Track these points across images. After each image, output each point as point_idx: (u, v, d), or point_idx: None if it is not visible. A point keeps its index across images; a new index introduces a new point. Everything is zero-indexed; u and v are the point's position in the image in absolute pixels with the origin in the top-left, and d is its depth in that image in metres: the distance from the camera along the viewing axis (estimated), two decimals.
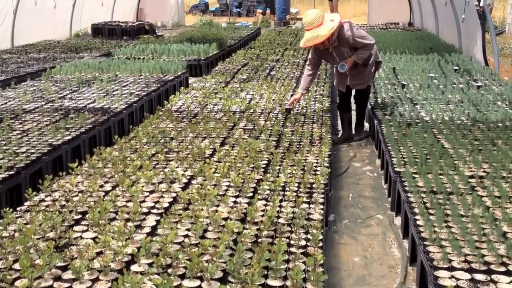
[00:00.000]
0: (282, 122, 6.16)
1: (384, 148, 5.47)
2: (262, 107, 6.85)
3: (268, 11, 25.62)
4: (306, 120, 6.29)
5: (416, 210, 3.92)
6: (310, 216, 3.75)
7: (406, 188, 4.32)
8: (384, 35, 15.61)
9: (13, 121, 6.25)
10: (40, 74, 9.32)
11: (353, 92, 6.87)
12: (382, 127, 6.02)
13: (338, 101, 7.06)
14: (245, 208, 3.81)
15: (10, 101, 7.32)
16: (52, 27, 16.40)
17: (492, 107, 6.79)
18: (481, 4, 10.04)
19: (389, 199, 5.01)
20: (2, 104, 7.11)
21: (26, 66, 10.42)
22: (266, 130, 5.69)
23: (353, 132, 6.96)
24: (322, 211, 3.85)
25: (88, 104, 7.13)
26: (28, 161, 4.90)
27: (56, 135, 5.62)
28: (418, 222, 3.75)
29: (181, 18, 23.95)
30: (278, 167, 4.64)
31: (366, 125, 7.25)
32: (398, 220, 4.59)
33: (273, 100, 7.21)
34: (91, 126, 6.08)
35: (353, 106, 7.03)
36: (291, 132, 5.75)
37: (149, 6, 22.48)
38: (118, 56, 11.63)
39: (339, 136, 6.93)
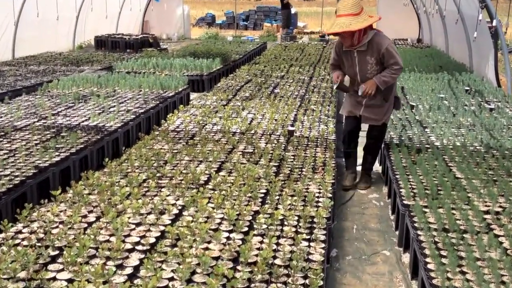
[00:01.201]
0: (284, 145, 5.82)
1: (392, 177, 5.12)
2: (263, 127, 6.52)
3: (277, 24, 25.40)
4: (309, 143, 5.95)
5: (427, 251, 3.57)
6: (310, 257, 3.41)
7: (416, 225, 3.97)
8: None
9: (1, 139, 5.95)
10: (37, 88, 9.04)
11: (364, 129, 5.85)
12: (390, 153, 5.68)
13: (342, 136, 5.85)
14: (239, 246, 3.47)
15: (1, 117, 7.03)
16: (55, 39, 16.22)
17: (507, 132, 6.43)
18: (494, 24, 9.68)
19: (397, 232, 4.66)
20: None
21: (24, 80, 10.14)
22: (266, 154, 5.36)
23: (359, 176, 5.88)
24: (323, 251, 3.50)
25: (82, 122, 6.82)
26: (11, 185, 4.58)
27: (44, 156, 5.30)
28: (429, 266, 3.39)
29: (187, 31, 23.75)
30: (277, 198, 4.30)
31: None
32: (406, 257, 4.23)
33: (276, 120, 6.88)
34: (82, 146, 5.77)
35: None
36: (292, 157, 5.42)
37: (154, 19, 22.35)
38: (119, 70, 11.38)
39: (344, 176, 5.83)
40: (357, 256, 4.29)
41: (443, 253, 3.54)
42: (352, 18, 5.07)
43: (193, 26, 27.77)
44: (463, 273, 3.28)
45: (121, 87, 9.12)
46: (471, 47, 11.95)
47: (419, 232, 3.86)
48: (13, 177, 4.75)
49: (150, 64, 11.67)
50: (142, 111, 7.47)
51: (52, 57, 14.03)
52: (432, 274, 3.28)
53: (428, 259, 3.48)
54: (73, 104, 7.84)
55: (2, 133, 6.18)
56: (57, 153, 5.48)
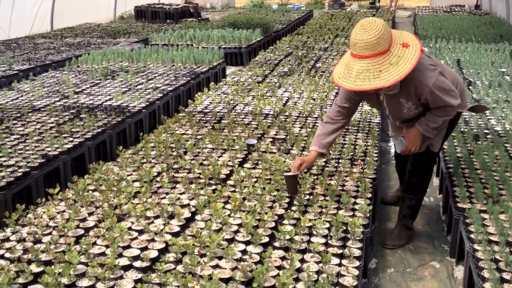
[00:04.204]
0: None
1: (444, 170, 4.42)
2: (299, 109, 5.87)
3: None
4: (349, 127, 5.27)
5: (486, 273, 2.91)
6: (341, 280, 2.80)
7: (472, 236, 3.29)
8: (448, 19, 14.24)
9: (16, 121, 5.53)
10: (67, 63, 8.62)
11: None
12: None
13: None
14: (255, 263, 2.90)
15: (22, 95, 6.62)
16: (95, 9, 15.87)
17: None
18: None
19: (449, 238, 3.98)
20: (12, 100, 6.41)
21: (56, 53, 9.76)
22: (299, 142, 4.74)
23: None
24: (357, 271, 2.89)
25: (105, 101, 6.33)
26: (12, 178, 4.13)
27: (56, 142, 4.83)
28: None
29: None
30: (306, 198, 3.68)
31: None
32: (459, 272, 3.57)
33: (314, 100, 6.22)
34: (99, 130, 5.27)
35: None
36: None
37: None
38: (155, 43, 10.89)
39: (390, 192, 4.75)
40: (400, 268, 3.65)
41: (506, 276, 2.87)
42: (381, 59, 3.15)
43: None
44: None
45: (153, 62, 8.61)
46: None
47: (476, 246, 3.19)
48: (16, 168, 4.30)
49: (187, 36, 11.11)
50: (171, 88, 6.93)
51: (90, 28, 13.66)
52: None
53: (487, 285, 2.82)
54: (99, 81, 7.37)
55: (18, 115, 5.76)
56: (70, 139, 5.01)
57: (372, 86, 3.15)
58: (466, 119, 5.50)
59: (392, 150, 5.75)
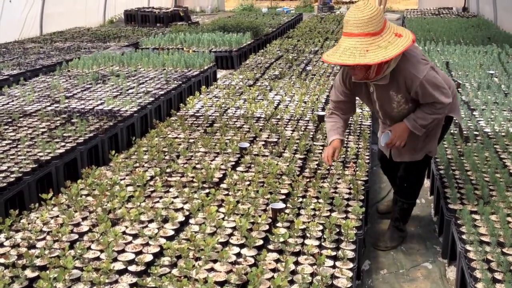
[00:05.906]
0: (312, 133, 5.20)
1: (435, 171, 4.46)
2: (291, 112, 5.90)
3: None
4: None
5: (478, 274, 2.94)
6: (335, 281, 2.83)
7: (464, 237, 3.33)
8: (436, 22, 14.35)
9: (7, 127, 5.51)
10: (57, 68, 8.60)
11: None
12: None
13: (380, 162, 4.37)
14: (250, 266, 2.92)
15: (12, 100, 6.60)
16: (84, 13, 15.85)
17: None
18: None
19: (440, 239, 4.02)
20: (3, 105, 6.39)
21: (46, 58, 9.73)
22: (291, 145, 4.76)
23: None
24: (351, 273, 2.92)
25: (97, 106, 6.33)
26: (4, 184, 4.12)
27: (48, 147, 4.82)
28: None
29: (221, 2, 23.09)
30: (299, 201, 3.71)
31: None
32: (452, 272, 3.60)
33: (305, 103, 6.25)
34: (91, 135, 5.27)
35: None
36: (321, 148, 4.80)
37: None
38: (145, 46, 10.90)
39: (384, 203, 4.67)
40: (393, 270, 3.68)
41: (498, 276, 2.91)
42: (370, 39, 3.17)
43: None
44: None
45: (144, 66, 8.61)
46: None
47: (467, 247, 3.22)
48: (9, 173, 4.29)
49: (178, 39, 11.14)
50: (162, 92, 6.94)
51: (80, 32, 13.64)
52: None
53: (479, 285, 2.86)
54: (90, 86, 7.37)
55: (9, 120, 5.74)
56: (62, 144, 5.00)
57: (356, 61, 3.16)
58: (456, 121, 5.54)
59: None
